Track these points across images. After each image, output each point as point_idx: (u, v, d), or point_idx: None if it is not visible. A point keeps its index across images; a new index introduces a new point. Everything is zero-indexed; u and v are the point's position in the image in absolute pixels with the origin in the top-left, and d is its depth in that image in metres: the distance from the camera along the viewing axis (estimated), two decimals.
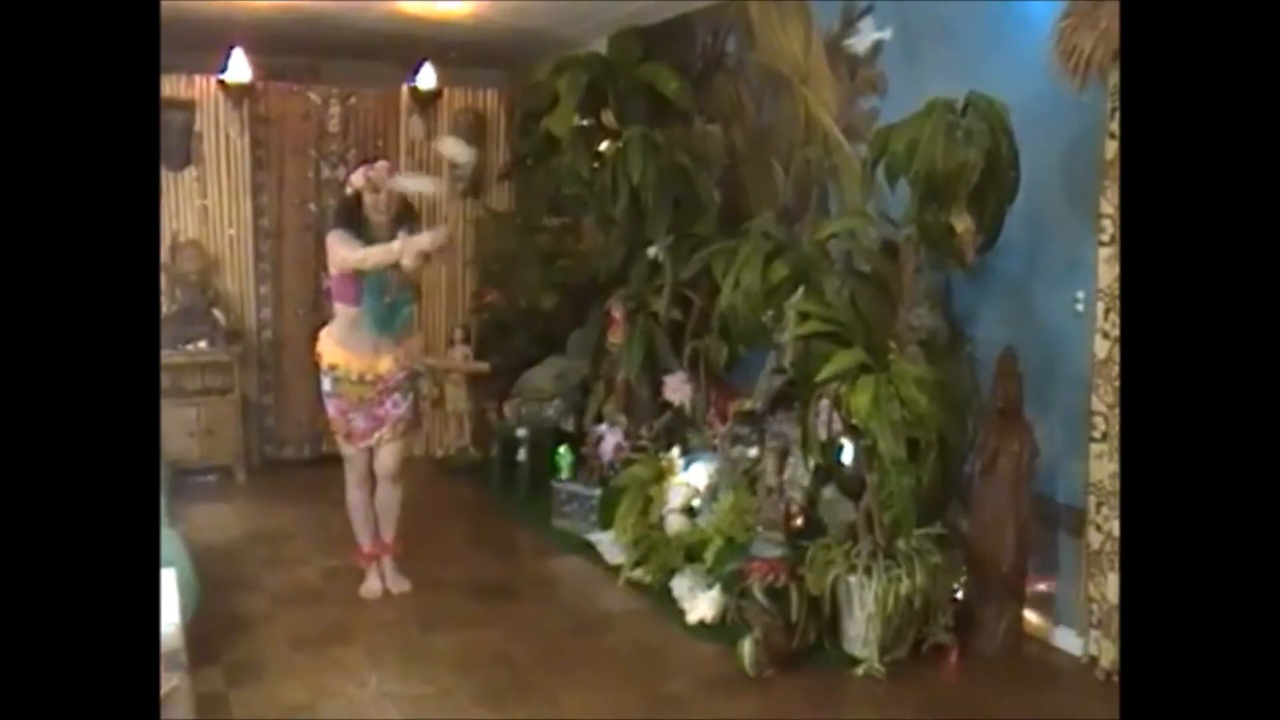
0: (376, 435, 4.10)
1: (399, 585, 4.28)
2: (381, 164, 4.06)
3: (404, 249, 3.79)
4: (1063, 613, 3.72)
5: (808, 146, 4.78)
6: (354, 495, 4.23)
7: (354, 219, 3.97)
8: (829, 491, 3.90)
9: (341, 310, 4.04)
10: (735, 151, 5.23)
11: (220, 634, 3.75)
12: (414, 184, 4.36)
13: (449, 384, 6.24)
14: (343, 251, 3.89)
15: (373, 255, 3.85)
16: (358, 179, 3.99)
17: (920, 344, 3.77)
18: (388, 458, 4.18)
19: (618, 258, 5.40)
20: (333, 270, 4.02)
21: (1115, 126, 3.21)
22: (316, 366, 4.17)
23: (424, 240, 3.84)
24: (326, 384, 4.10)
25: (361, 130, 6.28)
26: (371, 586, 4.25)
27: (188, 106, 5.90)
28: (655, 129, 4.95)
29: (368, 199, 3.95)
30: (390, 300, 3.97)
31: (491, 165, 6.65)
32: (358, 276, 3.92)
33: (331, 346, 4.07)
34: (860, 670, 3.51)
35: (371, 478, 4.21)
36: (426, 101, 6.39)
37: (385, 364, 4.04)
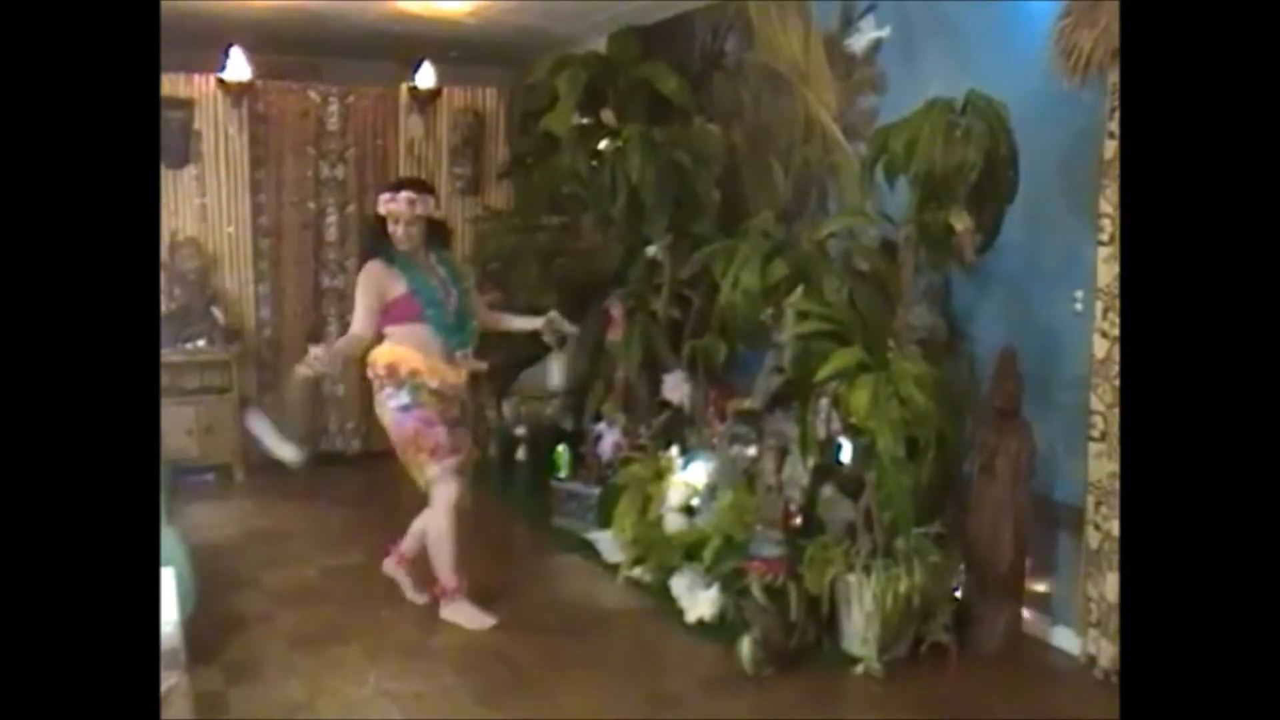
0: (457, 459, 3.83)
1: (480, 621, 3.92)
2: (403, 195, 3.76)
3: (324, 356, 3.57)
4: (1061, 612, 3.73)
5: (807, 145, 4.77)
6: (443, 522, 3.87)
7: (381, 243, 3.81)
8: (828, 490, 3.90)
9: (405, 328, 3.76)
10: (734, 150, 5.22)
11: (219, 633, 3.75)
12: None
13: None
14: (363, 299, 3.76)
15: (337, 349, 3.79)
16: (381, 206, 3.80)
17: (919, 343, 3.77)
18: (458, 492, 3.90)
19: (617, 256, 5.40)
20: (370, 302, 3.76)
21: (1115, 126, 3.20)
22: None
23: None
24: (404, 397, 3.74)
25: (360, 129, 6.28)
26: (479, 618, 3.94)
27: (187, 105, 5.90)
28: (654, 128, 4.95)
29: (391, 227, 3.77)
30: (455, 310, 3.83)
31: (491, 164, 6.65)
32: (412, 294, 3.75)
33: (409, 353, 3.73)
34: (859, 669, 3.52)
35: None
36: (426, 100, 6.39)
37: (461, 375, 3.85)
